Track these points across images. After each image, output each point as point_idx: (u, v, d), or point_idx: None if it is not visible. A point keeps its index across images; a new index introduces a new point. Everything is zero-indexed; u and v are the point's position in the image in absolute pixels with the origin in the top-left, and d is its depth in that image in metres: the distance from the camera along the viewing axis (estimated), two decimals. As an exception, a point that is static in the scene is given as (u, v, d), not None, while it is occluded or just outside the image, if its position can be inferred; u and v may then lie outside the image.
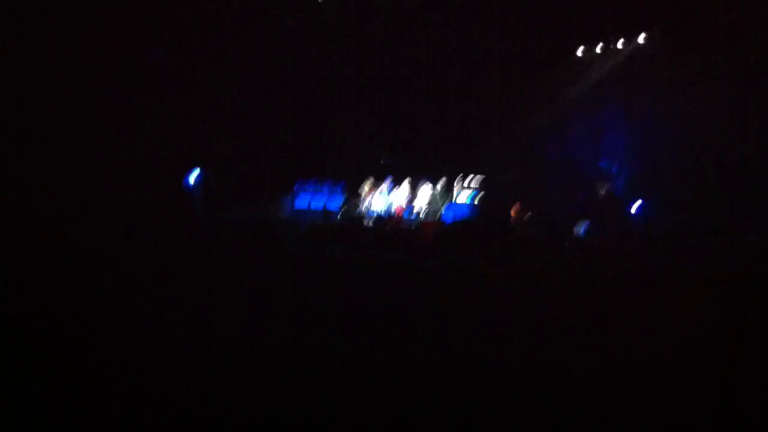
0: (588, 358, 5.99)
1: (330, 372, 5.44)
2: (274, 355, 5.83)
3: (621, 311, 8.15)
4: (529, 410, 4.82)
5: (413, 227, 15.59)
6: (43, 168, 12.29)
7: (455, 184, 16.55)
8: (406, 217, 15.99)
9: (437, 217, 16.17)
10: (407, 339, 6.56)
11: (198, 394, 4.82)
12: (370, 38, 17.31)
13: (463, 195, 16.52)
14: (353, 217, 15.98)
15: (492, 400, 4.94)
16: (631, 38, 16.76)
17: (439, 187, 16.47)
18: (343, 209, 16.37)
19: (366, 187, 16.53)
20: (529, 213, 16.58)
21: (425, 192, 16.26)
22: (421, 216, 16.03)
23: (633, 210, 15.66)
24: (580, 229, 15.35)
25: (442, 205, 16.35)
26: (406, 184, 16.31)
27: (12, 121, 12.42)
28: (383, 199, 16.32)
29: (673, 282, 10.43)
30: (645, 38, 16.44)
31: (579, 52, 17.74)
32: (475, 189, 16.54)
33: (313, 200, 16.54)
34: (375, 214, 15.94)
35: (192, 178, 15.97)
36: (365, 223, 15.76)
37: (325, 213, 16.19)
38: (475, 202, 16.39)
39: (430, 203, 16.22)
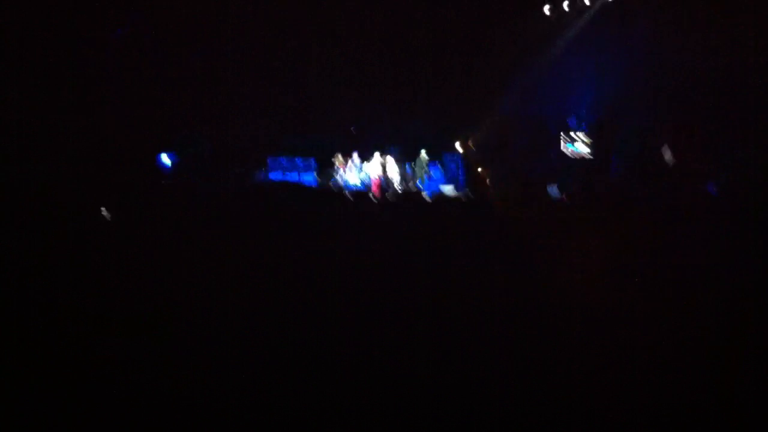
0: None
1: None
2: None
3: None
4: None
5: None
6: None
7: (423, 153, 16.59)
8: (384, 188, 16.05)
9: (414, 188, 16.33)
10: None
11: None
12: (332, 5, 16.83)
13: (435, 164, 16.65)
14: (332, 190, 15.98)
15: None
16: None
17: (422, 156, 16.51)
18: (319, 182, 16.39)
19: (337, 161, 16.46)
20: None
21: (394, 163, 16.26)
22: (397, 188, 16.11)
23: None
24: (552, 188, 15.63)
25: (416, 176, 16.46)
26: (377, 156, 16.26)
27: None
28: (355, 172, 16.30)
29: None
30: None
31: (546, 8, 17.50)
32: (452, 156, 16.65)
33: (286, 174, 16.46)
34: (352, 188, 15.95)
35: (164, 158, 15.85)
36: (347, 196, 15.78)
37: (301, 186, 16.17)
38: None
39: (403, 175, 16.30)
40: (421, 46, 18.07)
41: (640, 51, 15.98)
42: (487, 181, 16.73)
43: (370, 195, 15.71)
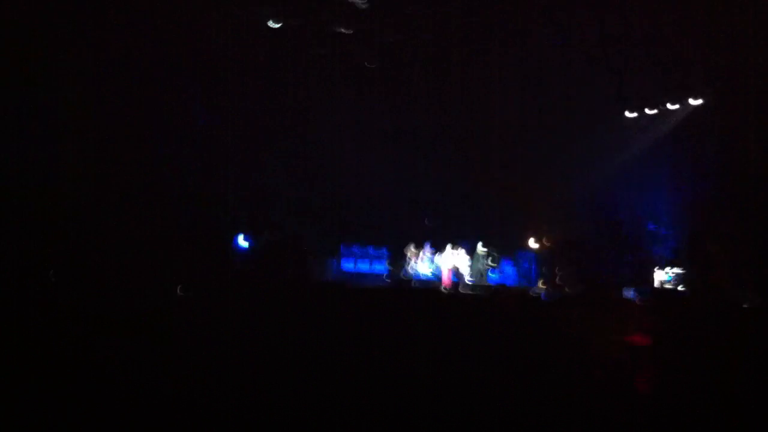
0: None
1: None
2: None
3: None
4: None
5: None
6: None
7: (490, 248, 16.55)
8: (454, 280, 15.96)
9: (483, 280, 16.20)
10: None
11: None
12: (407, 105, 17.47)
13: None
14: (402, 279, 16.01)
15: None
16: (681, 100, 16.56)
17: (479, 250, 16.46)
18: (391, 272, 16.47)
19: (409, 252, 16.57)
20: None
21: (465, 257, 16.21)
22: (468, 280, 15.99)
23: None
24: (629, 292, 15.15)
25: (484, 269, 16.37)
26: (449, 249, 16.26)
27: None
28: (427, 263, 16.33)
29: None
30: (696, 101, 16.22)
31: (627, 113, 17.58)
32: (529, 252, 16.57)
33: (358, 263, 16.65)
34: (421, 277, 15.95)
35: (241, 240, 16.35)
36: (413, 285, 15.75)
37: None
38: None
39: (473, 268, 16.23)
40: (497, 144, 18.39)
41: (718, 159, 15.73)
42: (557, 280, 16.42)
43: (441, 288, 15.66)
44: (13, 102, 12.29)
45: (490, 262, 16.29)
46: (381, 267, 16.60)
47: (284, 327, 7.99)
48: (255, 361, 6.32)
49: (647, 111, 17.26)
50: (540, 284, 16.35)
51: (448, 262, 16.11)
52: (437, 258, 16.33)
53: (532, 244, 17.25)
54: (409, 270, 16.36)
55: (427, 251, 16.47)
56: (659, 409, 5.16)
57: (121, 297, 8.89)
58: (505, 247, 16.82)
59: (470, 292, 15.12)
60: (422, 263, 16.37)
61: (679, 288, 14.90)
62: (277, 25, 13.92)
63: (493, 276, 16.55)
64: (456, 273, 16.05)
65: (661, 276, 15.51)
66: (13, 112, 12.33)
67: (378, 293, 13.90)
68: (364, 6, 13.34)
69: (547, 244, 17.41)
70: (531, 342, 7.24)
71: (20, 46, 12.05)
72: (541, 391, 5.53)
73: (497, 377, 5.80)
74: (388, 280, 16.20)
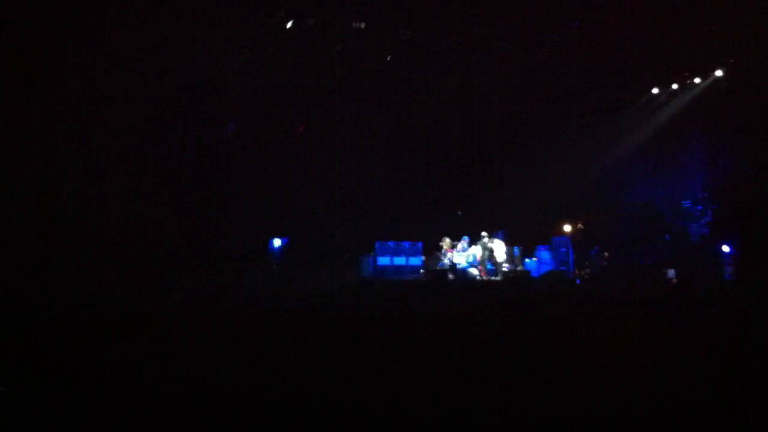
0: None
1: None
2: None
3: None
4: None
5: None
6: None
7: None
8: (490, 268, 15.95)
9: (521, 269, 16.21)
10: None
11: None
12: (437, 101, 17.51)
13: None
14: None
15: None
16: (707, 74, 16.44)
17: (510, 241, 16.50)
18: (426, 265, 16.49)
19: (445, 244, 16.58)
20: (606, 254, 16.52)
21: (500, 246, 16.18)
22: (504, 269, 15.99)
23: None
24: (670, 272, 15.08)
25: (519, 258, 16.42)
26: (484, 239, 16.24)
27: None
28: (462, 254, 16.33)
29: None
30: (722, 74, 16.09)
31: (654, 90, 17.47)
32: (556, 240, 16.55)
33: (394, 259, 16.64)
34: (459, 270, 15.93)
35: (277, 242, 16.45)
36: (449, 276, 15.74)
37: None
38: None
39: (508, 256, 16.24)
40: (528, 131, 18.38)
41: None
42: (596, 263, 16.40)
43: (477, 276, 15.64)
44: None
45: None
46: (417, 260, 16.59)
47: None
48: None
49: (674, 86, 17.19)
50: (577, 270, 16.34)
51: (484, 252, 16.09)
52: (472, 249, 16.31)
53: (567, 228, 17.22)
54: (446, 261, 16.36)
55: (462, 242, 16.46)
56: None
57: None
58: (540, 233, 16.79)
59: (503, 281, 15.16)
60: (458, 254, 16.36)
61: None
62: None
63: (529, 262, 16.53)
64: (492, 262, 16.03)
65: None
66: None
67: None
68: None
69: (582, 228, 17.37)
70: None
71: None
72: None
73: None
74: (423, 272, 16.21)
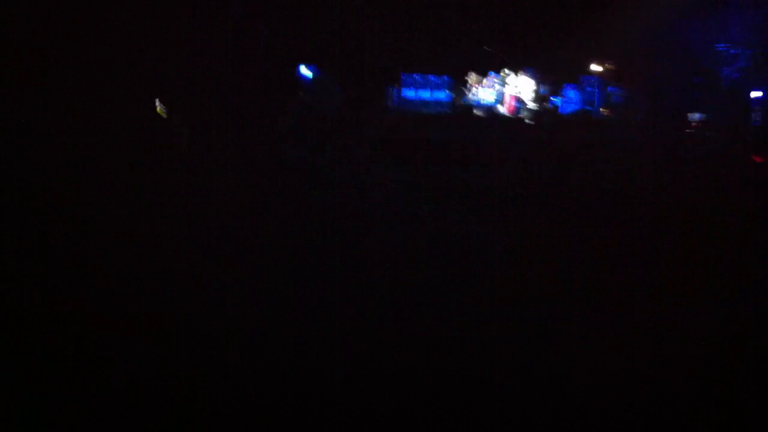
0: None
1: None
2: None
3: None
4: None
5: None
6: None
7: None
8: (517, 106, 15.94)
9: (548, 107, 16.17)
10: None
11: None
12: None
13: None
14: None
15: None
16: None
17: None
18: (453, 99, 16.44)
19: (471, 79, 16.43)
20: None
21: (527, 83, 16.05)
22: (531, 106, 15.98)
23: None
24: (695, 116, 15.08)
25: (548, 96, 16.31)
26: (512, 75, 16.09)
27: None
28: (489, 90, 16.23)
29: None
30: None
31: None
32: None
33: (419, 91, 16.57)
34: (485, 105, 15.93)
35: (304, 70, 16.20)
36: (474, 112, 15.80)
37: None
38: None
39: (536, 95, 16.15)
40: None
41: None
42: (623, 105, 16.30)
43: (503, 112, 15.67)
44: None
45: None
46: (442, 94, 16.53)
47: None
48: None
49: None
50: (602, 110, 16.27)
51: (511, 89, 16.01)
52: (499, 85, 16.20)
53: (596, 67, 16.94)
54: (471, 97, 16.32)
55: (489, 78, 16.32)
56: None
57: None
58: (569, 71, 16.54)
59: (531, 121, 15.19)
60: (484, 90, 16.28)
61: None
62: None
63: (555, 100, 16.46)
64: (518, 99, 15.99)
65: None
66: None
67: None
68: None
69: (611, 68, 17.09)
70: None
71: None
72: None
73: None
74: (448, 110, 16.21)
